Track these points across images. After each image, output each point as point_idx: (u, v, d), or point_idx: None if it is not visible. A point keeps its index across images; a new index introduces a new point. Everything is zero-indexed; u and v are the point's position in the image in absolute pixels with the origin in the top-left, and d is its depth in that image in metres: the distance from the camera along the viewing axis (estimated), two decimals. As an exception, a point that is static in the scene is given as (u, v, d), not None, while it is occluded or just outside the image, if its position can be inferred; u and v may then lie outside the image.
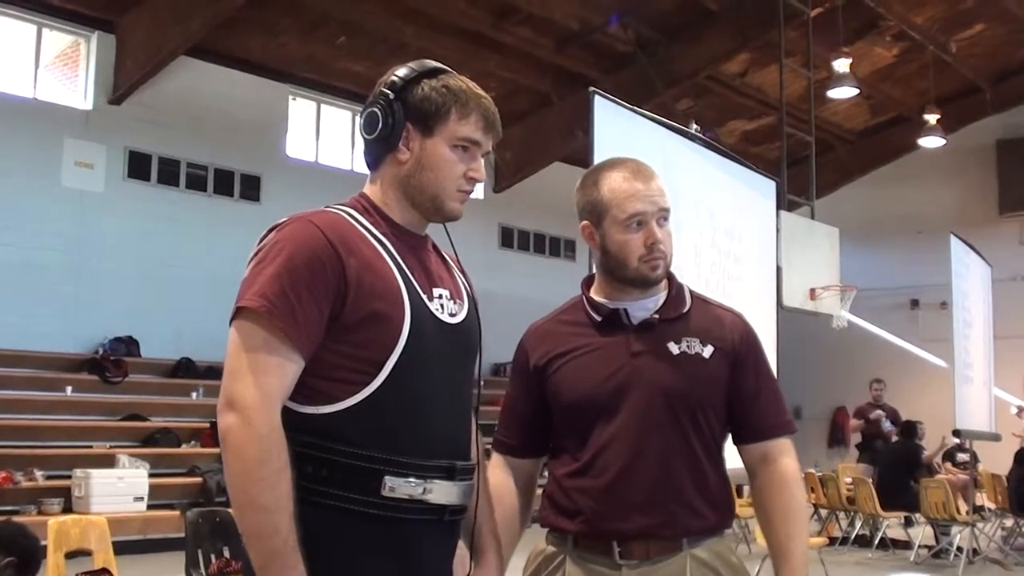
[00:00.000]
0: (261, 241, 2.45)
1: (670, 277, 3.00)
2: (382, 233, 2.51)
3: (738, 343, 2.93)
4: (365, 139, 2.60)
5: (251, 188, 17.13)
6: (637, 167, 2.94)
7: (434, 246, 2.71)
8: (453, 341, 2.56)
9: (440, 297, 2.56)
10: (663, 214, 2.90)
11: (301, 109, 18.31)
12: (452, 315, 2.58)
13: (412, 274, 2.50)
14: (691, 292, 3.02)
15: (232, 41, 16.05)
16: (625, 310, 2.92)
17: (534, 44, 17.51)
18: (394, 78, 2.56)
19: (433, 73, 2.58)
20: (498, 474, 3.02)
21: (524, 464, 3.06)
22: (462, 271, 2.77)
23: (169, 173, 16.19)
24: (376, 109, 2.56)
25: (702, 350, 2.87)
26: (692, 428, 2.83)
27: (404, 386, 2.41)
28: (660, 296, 2.95)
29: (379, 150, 2.58)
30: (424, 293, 2.50)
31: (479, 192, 20.24)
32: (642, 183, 2.89)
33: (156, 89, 15.82)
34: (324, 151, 18.44)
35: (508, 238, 21.36)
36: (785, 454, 2.92)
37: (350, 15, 15.96)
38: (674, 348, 2.87)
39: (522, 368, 3.03)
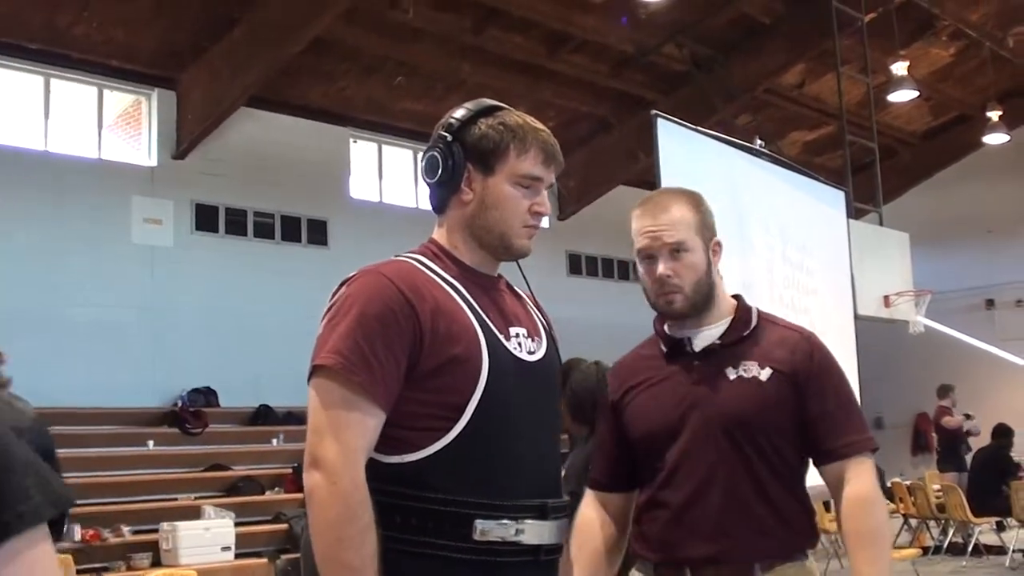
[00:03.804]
0: (333, 297, 2.44)
1: (738, 299, 2.98)
2: (453, 276, 2.48)
3: (800, 364, 2.85)
4: (428, 183, 2.58)
5: (318, 232, 17.22)
6: (655, 201, 2.93)
7: (508, 285, 2.68)
8: (535, 379, 2.53)
9: (517, 336, 2.53)
10: (671, 247, 2.85)
11: (363, 151, 18.41)
12: (531, 352, 2.55)
13: (487, 315, 2.47)
14: (759, 313, 2.98)
15: (291, 89, 16.19)
16: (689, 338, 2.90)
17: (590, 70, 17.50)
18: (451, 120, 2.55)
19: (489, 111, 2.56)
20: (587, 511, 3.02)
21: (613, 499, 3.03)
22: (538, 307, 2.73)
23: (237, 223, 16.32)
24: (436, 153, 2.54)
25: (759, 373, 2.83)
26: (755, 453, 2.79)
27: (488, 428, 2.38)
28: (725, 321, 2.93)
29: (443, 193, 2.57)
30: (500, 333, 2.47)
31: (544, 221, 20.24)
32: (650, 219, 2.88)
33: (218, 141, 15.98)
34: (388, 191, 18.53)
35: (576, 265, 21.27)
36: (860, 475, 2.84)
37: (406, 56, 16.06)
38: (731, 373, 2.84)
39: (606, 404, 3.03)
